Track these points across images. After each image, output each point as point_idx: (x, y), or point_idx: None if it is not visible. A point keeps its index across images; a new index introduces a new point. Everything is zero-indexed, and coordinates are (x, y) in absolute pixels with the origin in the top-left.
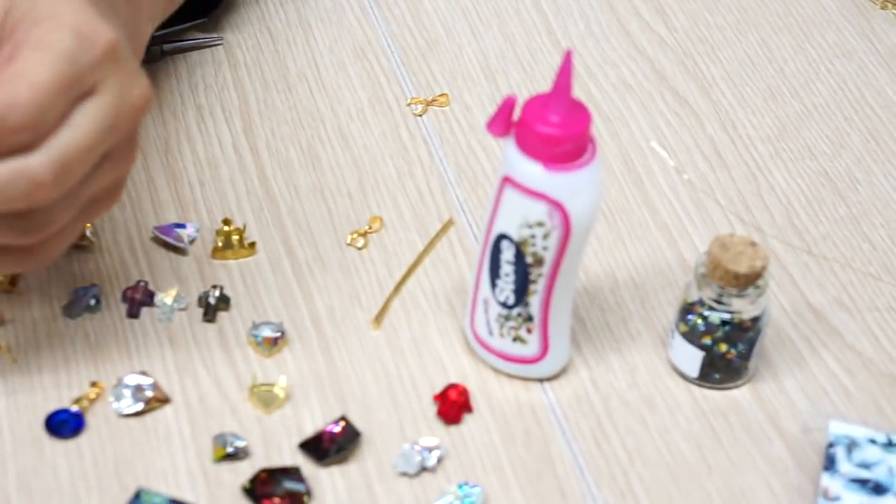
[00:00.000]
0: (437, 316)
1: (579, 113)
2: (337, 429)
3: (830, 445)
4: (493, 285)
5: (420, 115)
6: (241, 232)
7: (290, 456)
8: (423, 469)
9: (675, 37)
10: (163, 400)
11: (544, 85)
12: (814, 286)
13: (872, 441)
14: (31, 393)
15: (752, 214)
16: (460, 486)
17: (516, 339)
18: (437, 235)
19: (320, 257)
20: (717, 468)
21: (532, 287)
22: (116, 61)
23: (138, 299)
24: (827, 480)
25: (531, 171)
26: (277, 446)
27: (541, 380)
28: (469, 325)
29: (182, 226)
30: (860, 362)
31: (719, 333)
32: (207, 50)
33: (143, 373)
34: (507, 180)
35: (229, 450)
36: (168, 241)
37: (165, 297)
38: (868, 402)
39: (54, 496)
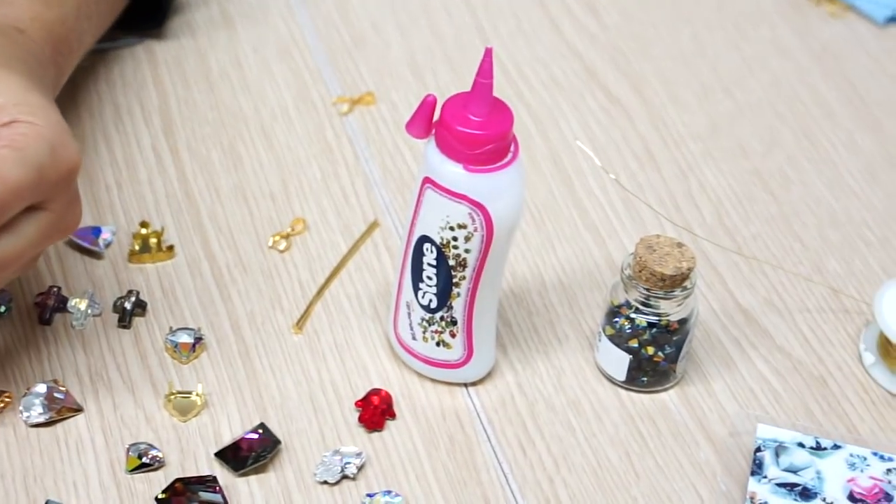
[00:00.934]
0: (360, 320)
1: (501, 112)
2: (255, 436)
3: (758, 450)
4: (416, 288)
5: (346, 115)
6: (159, 235)
7: (207, 465)
8: (344, 477)
9: (606, 34)
10: (75, 409)
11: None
12: (744, 287)
13: (801, 445)
14: None
15: (682, 214)
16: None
17: (440, 343)
18: (362, 237)
19: (241, 261)
20: (643, 474)
21: (455, 290)
22: (71, 183)
23: (51, 305)
24: (754, 485)
25: (452, 173)
26: (194, 455)
27: (465, 384)
28: (392, 329)
29: (97, 229)
30: (790, 364)
31: (646, 336)
32: (126, 47)
33: (55, 381)
34: (427, 181)
35: (144, 459)
36: (83, 245)
37: (79, 303)
38: (797, 404)
39: None
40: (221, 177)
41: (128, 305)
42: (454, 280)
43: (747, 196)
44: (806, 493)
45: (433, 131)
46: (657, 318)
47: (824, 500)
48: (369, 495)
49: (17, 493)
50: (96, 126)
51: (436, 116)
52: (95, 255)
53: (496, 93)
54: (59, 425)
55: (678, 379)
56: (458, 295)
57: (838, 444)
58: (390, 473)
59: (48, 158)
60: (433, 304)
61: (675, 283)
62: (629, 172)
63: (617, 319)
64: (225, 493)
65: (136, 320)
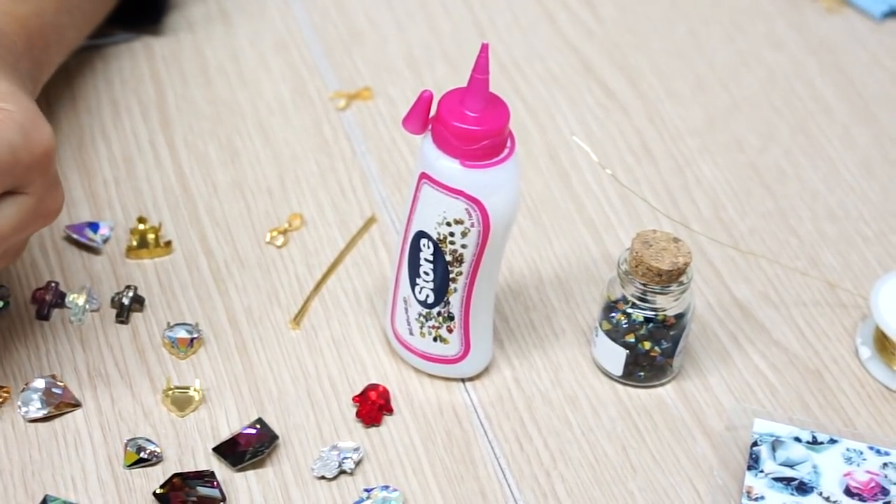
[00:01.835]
0: (358, 315)
1: (497, 108)
2: (253, 432)
3: (755, 444)
4: (413, 284)
5: (343, 109)
6: (156, 230)
7: (205, 460)
8: (342, 472)
9: (603, 28)
10: (73, 404)
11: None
12: (740, 281)
13: (797, 439)
14: None
15: (678, 209)
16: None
17: (437, 338)
18: (359, 233)
19: (238, 256)
20: (640, 468)
21: (452, 285)
22: (48, 166)
23: (49, 300)
24: (751, 480)
25: (448, 168)
26: (192, 450)
27: (462, 379)
28: (389, 325)
29: (95, 224)
30: (786, 358)
31: (643, 331)
32: (123, 43)
33: (53, 376)
34: (424, 177)
35: (141, 454)
36: (81, 241)
37: (77, 298)
38: (794, 398)
39: None
40: (218, 172)
41: (125, 301)
42: (451, 275)
43: (744, 190)
44: (802, 487)
45: (430, 127)
46: (654, 313)
47: (821, 494)
48: (367, 490)
49: (16, 487)
50: (94, 122)
51: (432, 112)
52: (93, 250)
53: (492, 88)
54: (57, 420)
55: (675, 374)
56: (455, 290)
57: (834, 438)
58: (388, 468)
59: (21, 140)
60: (430, 300)
61: (672, 278)
62: (626, 167)
63: (613, 314)
64: (223, 487)
65: (134, 315)
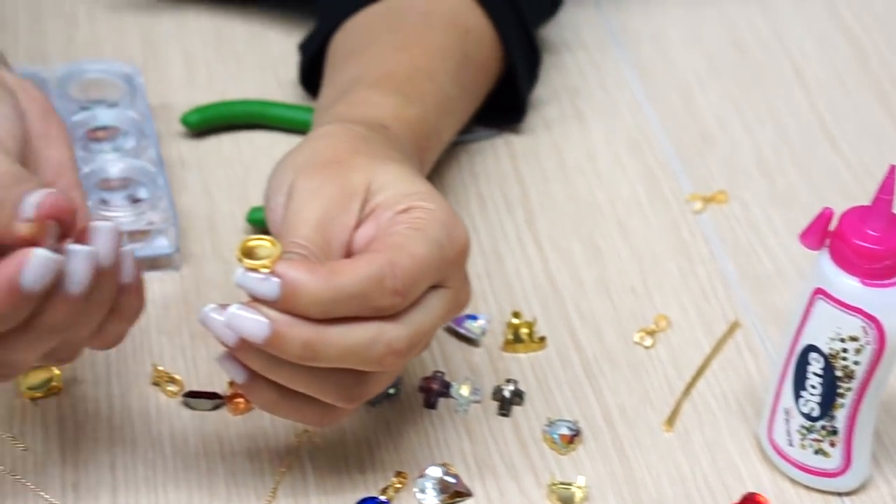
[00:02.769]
0: (728, 420)
1: None
2: None
3: None
4: (798, 396)
5: (699, 213)
6: (531, 325)
7: None
8: None
9: None
10: (465, 494)
11: (822, 183)
12: None
13: None
14: (338, 477)
15: None
16: None
17: (818, 451)
18: (724, 337)
19: (608, 354)
20: None
21: (839, 400)
22: (463, 262)
23: (436, 389)
24: None
25: (848, 286)
26: None
27: (839, 493)
28: (766, 434)
29: (473, 317)
30: None
31: None
32: (486, 140)
33: (445, 464)
34: (819, 292)
35: None
36: (461, 332)
37: (462, 389)
38: None
39: None
40: (582, 268)
41: (507, 394)
42: (839, 391)
43: None
44: None
45: (827, 242)
46: None
47: None
48: None
49: None
50: (463, 214)
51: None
52: (472, 342)
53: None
54: None
55: None
56: (842, 405)
57: None
58: None
59: (445, 238)
60: (814, 413)
61: None
62: None
63: None
64: None
65: (514, 409)
